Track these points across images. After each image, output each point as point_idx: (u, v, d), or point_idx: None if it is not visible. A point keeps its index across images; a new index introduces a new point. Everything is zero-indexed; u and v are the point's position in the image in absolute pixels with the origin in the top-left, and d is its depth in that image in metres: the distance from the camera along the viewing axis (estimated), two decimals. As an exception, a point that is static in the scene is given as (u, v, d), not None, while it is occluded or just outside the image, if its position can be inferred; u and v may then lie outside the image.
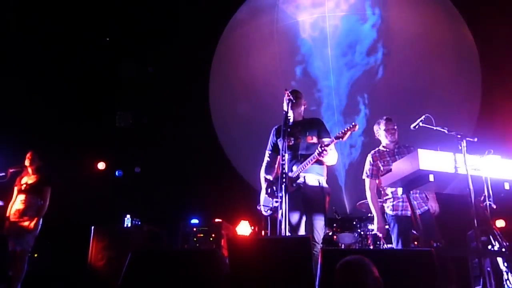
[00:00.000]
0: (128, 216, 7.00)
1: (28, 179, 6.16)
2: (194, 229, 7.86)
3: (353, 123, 4.33)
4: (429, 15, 8.21)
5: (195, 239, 7.67)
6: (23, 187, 6.05)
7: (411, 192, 4.53)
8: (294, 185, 4.44)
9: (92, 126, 9.17)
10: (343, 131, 4.32)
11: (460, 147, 4.34)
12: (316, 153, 4.37)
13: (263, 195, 4.75)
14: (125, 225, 6.88)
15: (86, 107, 9.19)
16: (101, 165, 9.42)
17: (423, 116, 4.62)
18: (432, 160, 4.26)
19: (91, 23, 9.07)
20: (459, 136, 4.40)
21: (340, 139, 4.34)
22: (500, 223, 7.52)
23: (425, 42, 7.93)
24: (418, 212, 4.77)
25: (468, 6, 8.56)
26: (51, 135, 8.42)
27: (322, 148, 4.33)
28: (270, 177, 4.76)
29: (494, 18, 8.18)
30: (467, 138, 4.40)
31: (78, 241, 6.74)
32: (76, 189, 8.09)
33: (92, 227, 6.33)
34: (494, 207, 4.34)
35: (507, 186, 4.53)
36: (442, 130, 4.57)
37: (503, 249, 4.40)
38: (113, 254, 6.07)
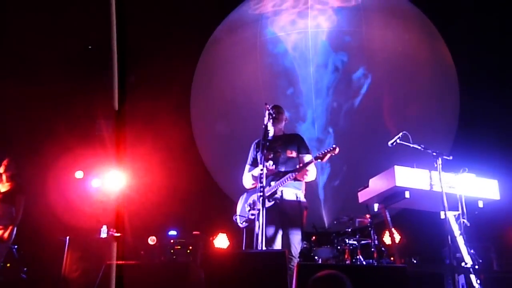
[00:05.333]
0: (105, 226, 6.92)
1: (1, 187, 6.05)
2: (172, 241, 7.81)
3: (334, 146, 4.38)
4: (409, 33, 8.34)
5: (172, 251, 7.62)
6: (-5, 195, 5.95)
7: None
8: (271, 200, 4.43)
9: (71, 134, 9.06)
10: (323, 152, 4.38)
11: (435, 165, 4.42)
12: (295, 171, 4.40)
13: (240, 204, 4.73)
14: (101, 236, 6.79)
15: (66, 115, 9.08)
16: (79, 174, 9.28)
17: (401, 133, 4.69)
18: (408, 177, 4.32)
19: (74, 31, 9.00)
20: (434, 153, 4.48)
21: (320, 160, 4.39)
22: None
23: (404, 59, 8.06)
24: None
25: (445, 25, 8.76)
26: (29, 143, 8.30)
27: (302, 169, 4.37)
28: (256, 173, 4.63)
29: (469, 36, 8.38)
30: (443, 156, 4.48)
31: (52, 252, 6.62)
32: (53, 198, 7.96)
33: (67, 238, 6.22)
34: (468, 224, 4.42)
35: (481, 204, 4.62)
36: (419, 147, 4.65)
37: (476, 266, 4.45)
38: (88, 266, 5.97)
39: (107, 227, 6.94)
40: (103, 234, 6.81)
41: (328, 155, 4.37)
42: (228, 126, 8.48)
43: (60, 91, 8.98)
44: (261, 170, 4.30)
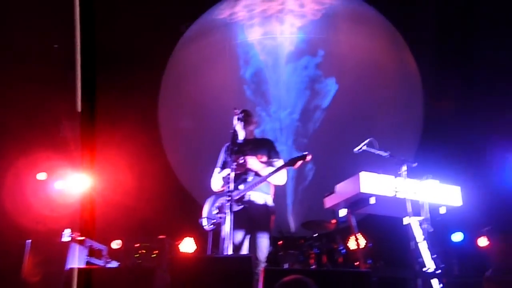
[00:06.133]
0: (68, 230, 6.75)
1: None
2: (137, 244, 7.69)
3: (306, 153, 4.38)
4: (376, 41, 8.49)
5: (137, 255, 7.51)
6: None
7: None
8: (239, 204, 4.41)
9: (34, 135, 8.83)
10: (294, 158, 4.38)
11: (400, 171, 4.50)
12: (265, 177, 4.41)
13: (207, 207, 4.70)
14: (64, 240, 6.62)
15: (29, 115, 8.85)
16: (42, 176, 9.05)
17: (367, 140, 4.76)
18: (374, 183, 4.39)
19: (40, 29, 8.78)
20: (400, 160, 4.57)
21: (292, 166, 4.39)
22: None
23: (371, 67, 8.19)
24: None
25: (410, 33, 8.96)
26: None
27: (273, 174, 4.38)
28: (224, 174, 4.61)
29: (433, 44, 8.60)
30: (408, 163, 4.58)
31: (12, 255, 6.42)
32: (13, 200, 7.74)
33: (28, 241, 6.05)
34: (431, 230, 4.51)
35: (443, 211, 4.74)
36: (384, 154, 4.72)
37: (439, 271, 4.55)
38: (49, 270, 5.81)
39: (70, 230, 6.78)
40: (66, 238, 6.64)
41: (300, 161, 4.37)
42: (196, 129, 8.45)
43: (23, 91, 8.75)
44: (229, 174, 4.29)
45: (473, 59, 8.48)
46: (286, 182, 4.82)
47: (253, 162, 4.54)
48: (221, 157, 4.87)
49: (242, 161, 4.49)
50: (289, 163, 4.40)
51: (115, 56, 9.37)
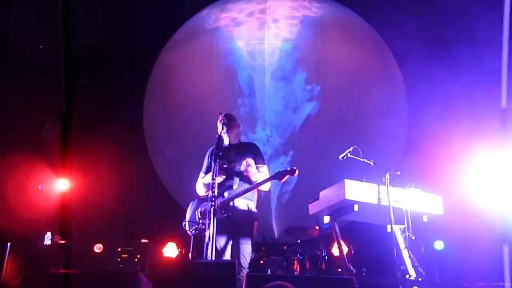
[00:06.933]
0: (49, 233, 6.68)
1: None
2: (119, 249, 7.63)
3: (294, 168, 4.36)
4: (359, 49, 8.57)
5: (119, 259, 7.45)
6: None
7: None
8: (223, 211, 4.38)
9: (16, 136, 8.72)
10: (282, 172, 4.37)
11: (384, 179, 4.55)
12: (251, 188, 4.42)
13: (190, 211, 4.68)
14: (45, 243, 6.55)
15: (10, 115, 8.74)
16: (24, 178, 8.93)
17: (351, 148, 4.80)
18: (358, 191, 4.43)
19: (24, 29, 8.69)
20: (383, 168, 4.61)
21: (278, 179, 4.37)
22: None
23: (354, 76, 8.26)
24: None
25: (394, 41, 9.05)
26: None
27: (259, 185, 4.38)
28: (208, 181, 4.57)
29: (418, 52, 8.70)
30: (391, 171, 4.63)
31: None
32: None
33: (8, 244, 5.96)
34: (413, 238, 4.57)
35: (425, 219, 4.80)
36: (368, 162, 4.77)
37: (420, 279, 4.60)
38: (29, 274, 5.73)
39: (51, 234, 6.71)
40: (47, 241, 6.57)
41: (287, 176, 4.36)
42: (181, 134, 8.42)
43: (5, 92, 8.64)
44: (213, 179, 4.28)
45: (457, 67, 8.57)
46: (270, 188, 4.82)
47: (251, 168, 4.51)
48: (205, 161, 4.86)
49: (245, 165, 4.47)
50: (276, 176, 4.38)
51: (101, 58, 9.32)
